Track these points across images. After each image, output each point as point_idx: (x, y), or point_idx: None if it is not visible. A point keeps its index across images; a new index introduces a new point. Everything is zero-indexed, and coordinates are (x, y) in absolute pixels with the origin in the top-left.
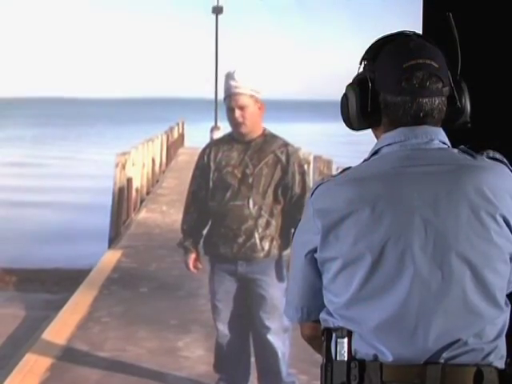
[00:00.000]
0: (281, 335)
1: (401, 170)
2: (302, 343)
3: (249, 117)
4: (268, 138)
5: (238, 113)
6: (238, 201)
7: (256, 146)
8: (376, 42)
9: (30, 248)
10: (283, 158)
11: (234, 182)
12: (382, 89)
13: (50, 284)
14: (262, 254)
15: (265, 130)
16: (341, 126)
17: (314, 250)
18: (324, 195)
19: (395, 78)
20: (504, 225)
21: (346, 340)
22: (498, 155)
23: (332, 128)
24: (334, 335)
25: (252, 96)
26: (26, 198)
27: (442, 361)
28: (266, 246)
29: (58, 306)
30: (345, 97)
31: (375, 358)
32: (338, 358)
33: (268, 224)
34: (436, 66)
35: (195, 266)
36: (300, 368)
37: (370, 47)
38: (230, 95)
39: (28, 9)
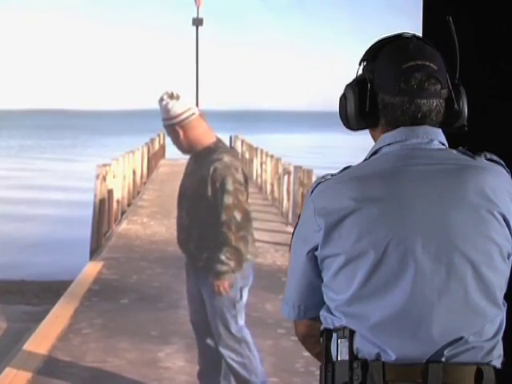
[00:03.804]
0: (234, 346)
1: (403, 168)
2: (283, 353)
3: (174, 142)
4: (210, 150)
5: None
6: (180, 210)
7: (199, 158)
8: (375, 43)
9: (11, 260)
10: (207, 173)
11: (180, 192)
12: (380, 89)
13: (31, 296)
14: (200, 264)
15: (215, 142)
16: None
17: (315, 248)
18: (325, 193)
19: (394, 79)
20: (504, 224)
21: (347, 339)
22: (495, 157)
23: (315, 138)
24: (334, 336)
25: (168, 126)
26: (6, 210)
27: (443, 359)
28: (203, 256)
29: (38, 318)
30: (343, 97)
31: (378, 357)
32: (339, 358)
33: (201, 236)
34: (435, 67)
35: None
36: (281, 377)
37: (369, 48)
38: None
39: (14, 23)
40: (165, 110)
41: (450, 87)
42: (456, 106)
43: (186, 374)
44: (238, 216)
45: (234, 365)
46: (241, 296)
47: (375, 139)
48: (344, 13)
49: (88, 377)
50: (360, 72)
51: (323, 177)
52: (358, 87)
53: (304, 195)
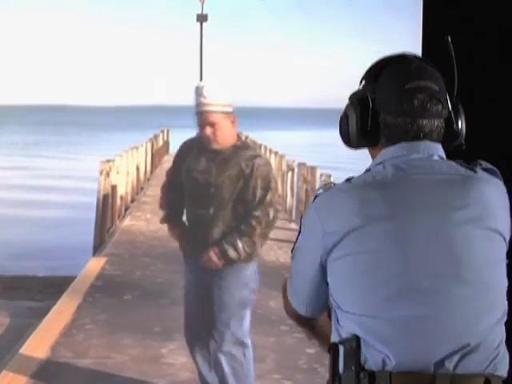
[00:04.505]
0: (229, 347)
1: (406, 177)
2: (286, 350)
3: (220, 134)
4: (239, 149)
5: (209, 130)
6: (200, 209)
7: (223, 156)
8: (377, 62)
9: (15, 256)
10: (247, 171)
11: (197, 189)
12: (382, 109)
13: (34, 292)
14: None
15: (239, 139)
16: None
17: (322, 259)
18: (329, 209)
19: (396, 99)
20: (501, 237)
21: (354, 350)
22: (489, 165)
23: (319, 136)
24: (341, 349)
25: (222, 112)
26: (11, 207)
27: (449, 366)
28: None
29: (41, 314)
30: (345, 116)
31: (384, 365)
32: (346, 370)
33: (226, 232)
34: (436, 88)
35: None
36: (284, 374)
37: (370, 67)
38: (200, 112)
39: (17, 20)
40: (222, 93)
41: (450, 107)
42: (455, 126)
43: (189, 371)
44: (271, 214)
45: (224, 365)
46: (252, 296)
47: (374, 157)
48: (344, 13)
49: (91, 373)
50: (360, 90)
51: (326, 185)
52: (359, 106)
53: (308, 192)
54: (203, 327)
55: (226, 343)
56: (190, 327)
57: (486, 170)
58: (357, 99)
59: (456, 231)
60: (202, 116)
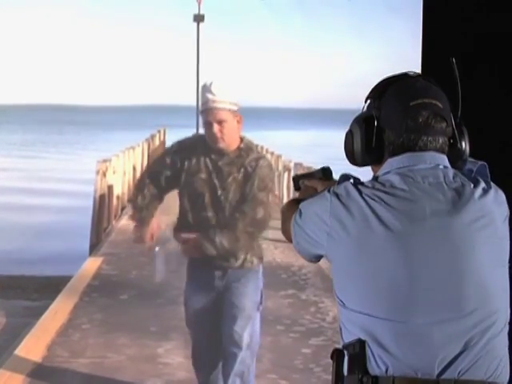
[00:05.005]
0: (238, 350)
1: (414, 184)
2: (283, 350)
3: (227, 132)
4: (243, 151)
5: (216, 128)
6: (207, 212)
7: (229, 159)
8: (381, 81)
9: (11, 255)
10: (250, 170)
11: (203, 191)
12: (387, 126)
13: (31, 291)
14: (236, 264)
15: (242, 142)
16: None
17: (323, 249)
18: (342, 205)
19: (401, 116)
20: (503, 241)
21: (358, 354)
22: (482, 167)
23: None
24: (345, 353)
25: (230, 110)
26: (7, 206)
27: (453, 372)
28: (241, 256)
29: (38, 313)
30: (350, 133)
31: (387, 370)
32: (350, 374)
33: (237, 238)
34: (441, 106)
35: (151, 238)
36: (280, 373)
37: (375, 86)
38: (207, 109)
39: (16, 19)
40: (230, 91)
41: (454, 126)
42: (459, 145)
43: (185, 370)
44: (260, 213)
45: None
46: (261, 299)
47: (376, 173)
48: (343, 12)
49: (87, 372)
50: (365, 109)
51: (346, 185)
52: (365, 123)
53: None
54: (215, 345)
55: (235, 342)
56: (200, 350)
57: (486, 182)
58: (361, 117)
59: (460, 236)
60: (209, 113)
